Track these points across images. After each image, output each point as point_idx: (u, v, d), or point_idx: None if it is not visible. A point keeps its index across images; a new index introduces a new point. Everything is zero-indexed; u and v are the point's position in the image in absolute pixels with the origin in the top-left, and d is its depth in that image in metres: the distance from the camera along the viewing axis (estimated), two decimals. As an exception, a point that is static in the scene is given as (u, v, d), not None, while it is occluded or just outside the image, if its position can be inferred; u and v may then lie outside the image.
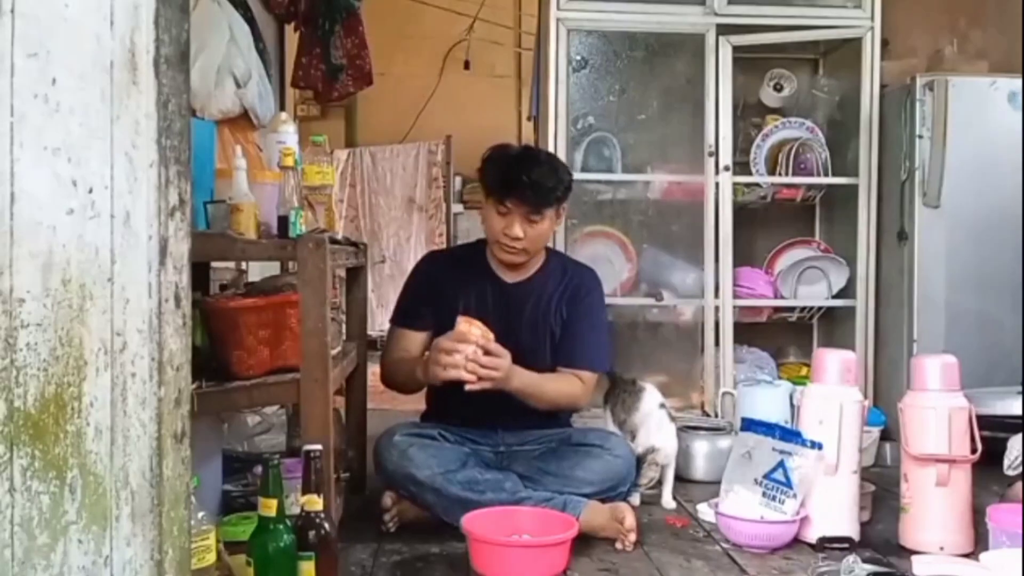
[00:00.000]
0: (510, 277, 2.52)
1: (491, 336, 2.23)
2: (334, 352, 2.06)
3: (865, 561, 1.98)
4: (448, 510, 2.22)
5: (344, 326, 2.69)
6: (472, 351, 2.19)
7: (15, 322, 1.02)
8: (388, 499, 2.33)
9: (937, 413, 2.19)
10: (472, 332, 2.20)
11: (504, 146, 2.52)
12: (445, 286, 2.51)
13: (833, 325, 3.69)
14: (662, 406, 2.60)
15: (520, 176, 2.36)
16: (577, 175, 3.47)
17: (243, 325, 1.94)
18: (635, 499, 2.53)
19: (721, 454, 2.72)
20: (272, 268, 2.83)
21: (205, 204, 1.99)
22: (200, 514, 1.52)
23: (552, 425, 2.52)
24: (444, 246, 6.05)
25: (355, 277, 2.81)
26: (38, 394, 1.04)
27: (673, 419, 2.63)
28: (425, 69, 6.66)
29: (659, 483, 2.58)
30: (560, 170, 2.47)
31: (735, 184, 3.47)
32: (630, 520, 2.20)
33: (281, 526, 1.63)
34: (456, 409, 2.43)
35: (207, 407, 1.88)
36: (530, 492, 2.26)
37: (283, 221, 2.04)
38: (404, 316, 2.56)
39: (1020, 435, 2.35)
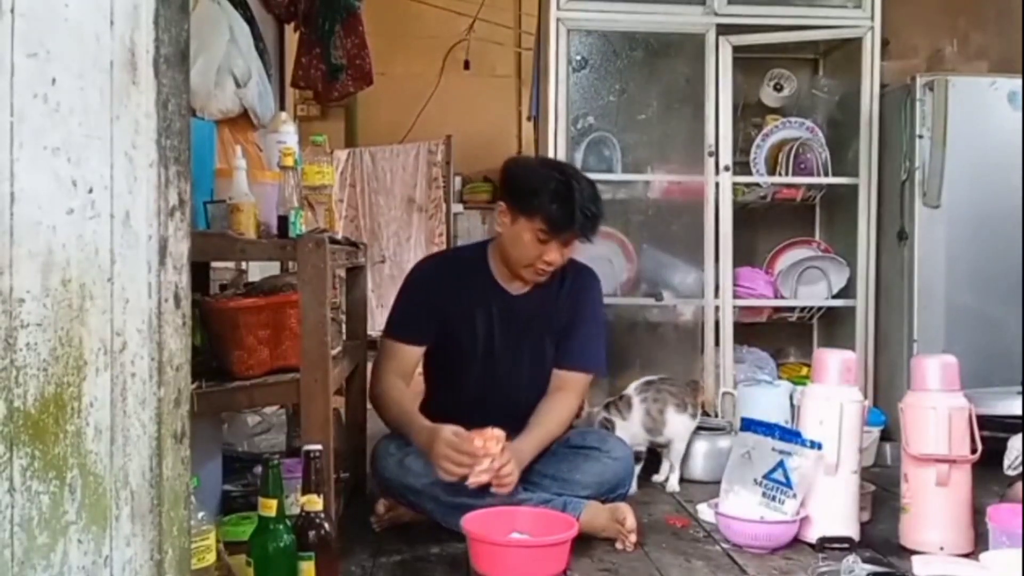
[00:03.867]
0: (515, 289, 2.44)
1: (502, 437, 2.12)
2: (334, 352, 2.06)
3: (865, 561, 1.98)
4: (447, 517, 2.21)
5: (344, 326, 2.68)
6: (487, 464, 2.09)
7: (15, 322, 1.02)
8: (382, 506, 2.33)
9: (937, 413, 2.19)
10: (488, 447, 2.10)
11: (538, 166, 2.32)
12: (446, 297, 2.40)
13: (833, 325, 3.69)
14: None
15: (589, 210, 2.25)
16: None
17: (243, 325, 1.94)
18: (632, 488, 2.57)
19: (721, 454, 2.72)
20: (272, 268, 2.83)
21: (205, 204, 1.99)
22: (200, 514, 1.52)
23: None
24: (444, 246, 6.05)
25: (355, 277, 2.81)
26: (38, 394, 1.04)
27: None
28: (425, 69, 6.66)
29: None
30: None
31: (735, 184, 3.47)
32: (631, 521, 2.20)
33: (281, 526, 1.63)
34: (452, 415, 2.41)
35: (207, 407, 1.88)
36: (529, 495, 2.25)
37: (283, 221, 2.04)
38: (400, 328, 2.42)
39: (1020, 435, 2.35)
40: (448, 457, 2.10)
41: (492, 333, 2.44)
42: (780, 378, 3.43)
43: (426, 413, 2.54)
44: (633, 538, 2.19)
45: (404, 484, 2.27)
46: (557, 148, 3.39)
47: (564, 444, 2.45)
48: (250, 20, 3.06)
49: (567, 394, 2.44)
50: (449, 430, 2.14)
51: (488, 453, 2.09)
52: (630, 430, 2.73)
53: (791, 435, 2.27)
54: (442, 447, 2.11)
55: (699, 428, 2.95)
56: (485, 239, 2.59)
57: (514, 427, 2.31)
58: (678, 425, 2.78)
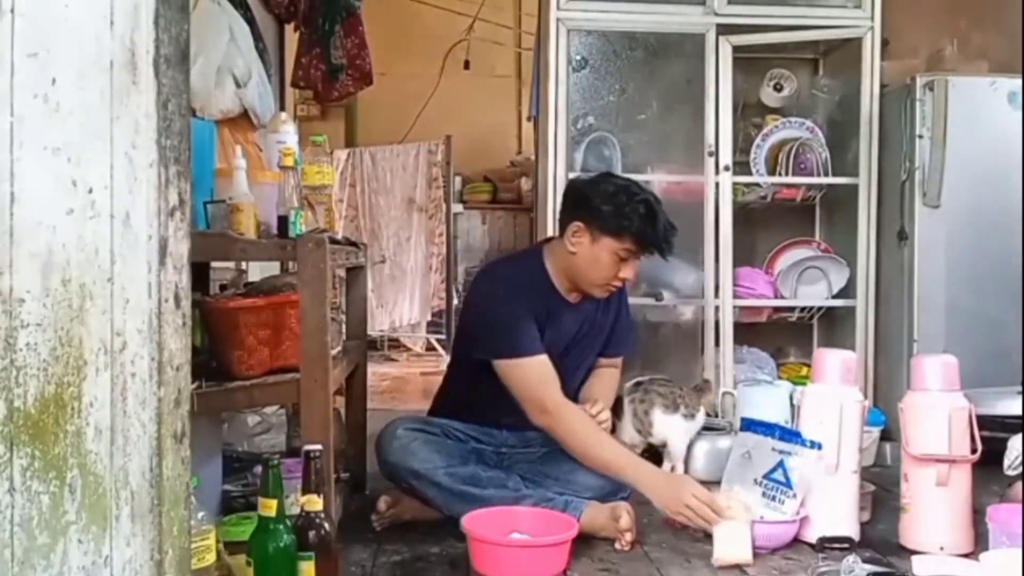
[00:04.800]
0: (572, 297, 2.46)
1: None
2: (334, 352, 2.06)
3: (865, 561, 1.98)
4: (449, 504, 2.23)
5: (344, 326, 2.68)
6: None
7: (15, 322, 1.02)
8: (383, 503, 2.34)
9: (937, 413, 2.19)
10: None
11: (613, 185, 2.34)
12: (528, 305, 2.37)
13: (833, 325, 3.69)
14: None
15: (671, 228, 2.34)
16: (577, 175, 3.48)
17: (243, 325, 1.94)
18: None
19: (721, 454, 2.72)
20: (272, 268, 2.83)
21: (205, 204, 1.99)
22: (200, 514, 1.52)
23: None
24: (444, 246, 6.05)
25: (355, 277, 2.81)
26: (38, 394, 1.04)
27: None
28: (425, 69, 6.66)
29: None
30: None
31: (735, 184, 3.47)
32: (624, 520, 2.20)
33: (281, 526, 1.63)
34: (464, 407, 2.45)
35: (207, 407, 1.88)
36: (532, 491, 2.26)
37: (283, 221, 2.04)
38: (531, 341, 2.32)
39: (1020, 435, 2.35)
40: (696, 509, 2.16)
41: (556, 342, 2.43)
42: (780, 378, 3.43)
43: (435, 403, 2.57)
44: (629, 537, 2.20)
45: (408, 468, 2.28)
46: (557, 148, 3.39)
47: None
48: (250, 20, 3.06)
49: (613, 371, 2.65)
50: (696, 484, 2.25)
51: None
52: (627, 431, 2.75)
53: (791, 435, 2.27)
54: (691, 498, 2.17)
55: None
56: (531, 248, 2.60)
57: (513, 418, 2.40)
58: (668, 426, 2.77)
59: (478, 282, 2.53)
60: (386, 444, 2.33)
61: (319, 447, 1.76)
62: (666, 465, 2.84)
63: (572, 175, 3.45)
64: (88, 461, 1.07)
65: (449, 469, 2.26)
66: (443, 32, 6.67)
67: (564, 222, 2.39)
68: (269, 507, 1.62)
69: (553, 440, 2.42)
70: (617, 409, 2.81)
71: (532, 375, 2.31)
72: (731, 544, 2.10)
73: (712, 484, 2.57)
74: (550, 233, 3.41)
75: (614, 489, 2.37)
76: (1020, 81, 3.24)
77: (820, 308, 3.62)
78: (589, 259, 2.34)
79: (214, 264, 2.55)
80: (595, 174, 2.50)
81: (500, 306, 2.36)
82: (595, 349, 2.58)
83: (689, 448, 2.84)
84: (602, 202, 2.31)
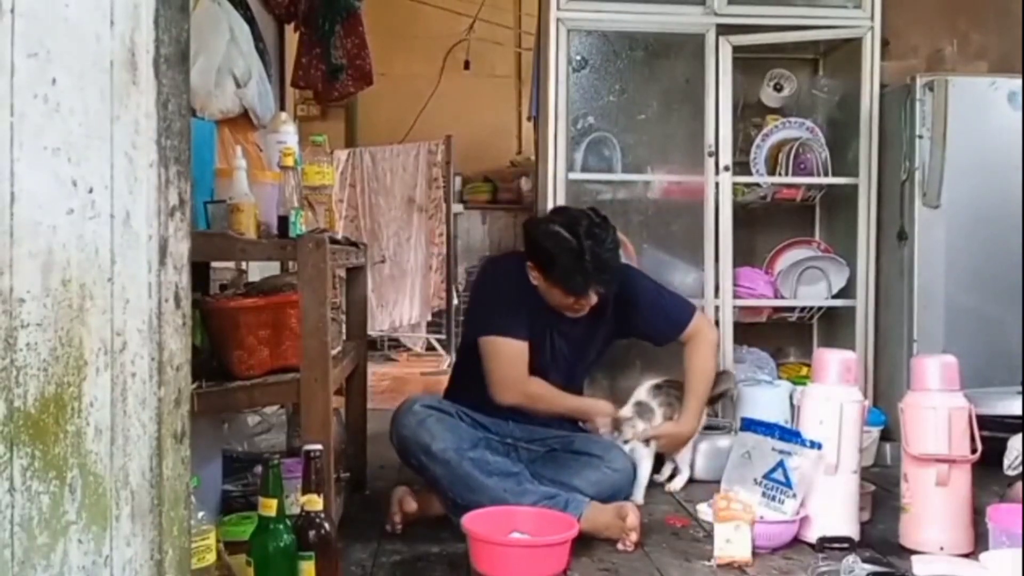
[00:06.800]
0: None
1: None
2: (334, 352, 2.06)
3: (865, 561, 1.98)
4: (454, 485, 2.26)
5: (344, 326, 2.68)
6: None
7: (15, 322, 1.02)
8: (397, 509, 2.36)
9: (937, 413, 2.20)
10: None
11: (555, 233, 2.39)
12: (525, 301, 2.50)
13: (833, 325, 3.69)
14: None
15: (602, 276, 2.40)
16: (577, 175, 3.49)
17: (243, 325, 1.94)
18: (638, 496, 2.60)
19: (721, 454, 2.72)
20: (272, 268, 2.83)
21: (205, 204, 1.99)
22: (200, 514, 1.52)
23: (561, 427, 2.61)
24: (444, 246, 6.04)
25: (355, 277, 2.81)
26: (38, 394, 1.04)
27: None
28: (425, 69, 6.66)
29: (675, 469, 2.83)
30: (617, 239, 2.47)
31: (735, 184, 3.46)
32: (632, 519, 2.20)
33: (281, 526, 1.63)
34: (475, 395, 2.50)
35: (207, 407, 1.88)
36: (536, 485, 2.28)
37: (283, 221, 2.04)
38: (514, 327, 2.48)
39: (1020, 435, 2.35)
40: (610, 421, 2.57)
41: (555, 343, 2.57)
42: (780, 378, 3.43)
43: (461, 397, 2.59)
44: (634, 537, 2.20)
45: (420, 443, 2.31)
46: (557, 148, 3.39)
47: (568, 447, 2.51)
48: (250, 20, 3.05)
49: (696, 342, 2.71)
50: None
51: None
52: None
53: (791, 435, 2.28)
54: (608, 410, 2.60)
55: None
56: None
57: (521, 411, 2.53)
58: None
59: (486, 267, 2.72)
60: (401, 418, 2.37)
61: (319, 447, 1.76)
62: (668, 465, 2.84)
63: (572, 175, 3.45)
64: (88, 461, 1.07)
65: (459, 450, 2.29)
66: (443, 32, 6.67)
67: (526, 256, 2.50)
68: (269, 507, 1.62)
69: (556, 442, 2.50)
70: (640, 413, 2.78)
71: (511, 356, 2.47)
72: (731, 544, 2.10)
73: (712, 484, 2.57)
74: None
75: (611, 497, 2.39)
76: (1020, 81, 3.24)
77: (820, 308, 3.61)
78: (546, 292, 2.47)
79: (214, 264, 2.55)
80: (547, 215, 2.59)
81: (496, 290, 2.57)
82: (601, 341, 2.66)
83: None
84: (540, 252, 2.43)
